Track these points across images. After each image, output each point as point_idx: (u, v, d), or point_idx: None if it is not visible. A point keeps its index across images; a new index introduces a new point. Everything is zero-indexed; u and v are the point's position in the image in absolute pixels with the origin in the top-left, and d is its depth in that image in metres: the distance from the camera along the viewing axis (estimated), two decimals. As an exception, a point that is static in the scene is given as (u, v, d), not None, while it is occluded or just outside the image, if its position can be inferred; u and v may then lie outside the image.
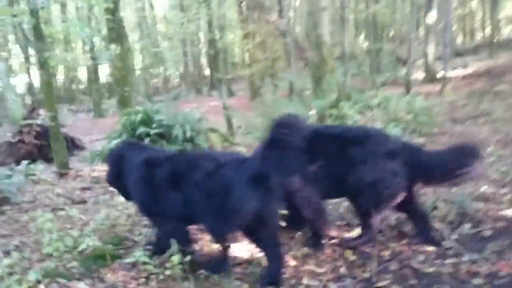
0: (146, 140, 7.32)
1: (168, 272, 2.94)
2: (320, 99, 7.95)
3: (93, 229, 3.72)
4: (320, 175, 3.27)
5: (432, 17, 15.27)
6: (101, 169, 6.95)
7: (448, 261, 3.06)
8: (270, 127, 2.82)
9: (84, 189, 6.33)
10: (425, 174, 3.27)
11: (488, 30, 27.38)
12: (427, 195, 4.07)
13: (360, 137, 3.40)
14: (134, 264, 3.24)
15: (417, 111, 6.99)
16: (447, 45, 11.71)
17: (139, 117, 7.60)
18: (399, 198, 3.27)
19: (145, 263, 3.02)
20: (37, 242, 3.69)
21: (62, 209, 4.75)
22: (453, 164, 3.20)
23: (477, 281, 2.80)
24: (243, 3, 19.10)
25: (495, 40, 20.34)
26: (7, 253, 3.44)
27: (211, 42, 10.12)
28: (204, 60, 29.48)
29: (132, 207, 4.03)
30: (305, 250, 3.32)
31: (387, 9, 22.78)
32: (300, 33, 18.99)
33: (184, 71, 29.26)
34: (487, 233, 3.40)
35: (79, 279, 3.08)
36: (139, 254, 3.03)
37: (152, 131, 7.39)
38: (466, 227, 3.49)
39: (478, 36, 30.93)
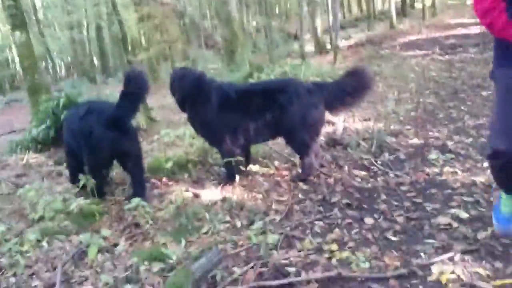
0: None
1: (160, 214, 3.40)
2: (234, 73, 8.54)
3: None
4: (258, 123, 3.91)
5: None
6: (31, 157, 6.90)
7: (379, 178, 3.90)
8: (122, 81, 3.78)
9: (19, 176, 6.31)
10: (334, 102, 4.00)
11: (363, 5, 29.93)
12: (350, 135, 4.90)
13: (282, 85, 4.07)
14: (120, 217, 3.65)
15: (323, 74, 7.92)
16: (336, 17, 12.90)
17: (61, 101, 7.60)
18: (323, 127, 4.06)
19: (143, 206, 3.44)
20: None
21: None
22: (353, 87, 3.99)
23: (404, 187, 3.67)
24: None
25: (371, 13, 22.35)
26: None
27: (120, 23, 10.16)
28: (94, 47, 28.47)
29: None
30: (267, 186, 3.93)
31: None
32: (197, 14, 19.32)
33: (72, 60, 28.06)
34: (402, 157, 4.32)
35: (77, 234, 3.42)
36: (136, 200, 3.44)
37: (80, 109, 7.44)
38: (386, 155, 4.37)
39: (355, 10, 33.62)
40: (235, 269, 2.79)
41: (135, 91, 3.72)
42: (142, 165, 4.05)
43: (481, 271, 2.46)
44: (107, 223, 3.61)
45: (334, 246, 2.91)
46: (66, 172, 4.86)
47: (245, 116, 3.88)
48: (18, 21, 8.71)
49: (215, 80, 4.12)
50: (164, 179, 4.27)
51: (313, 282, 2.56)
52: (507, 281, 2.37)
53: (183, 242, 3.11)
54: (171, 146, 4.90)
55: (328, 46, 16.69)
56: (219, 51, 17.91)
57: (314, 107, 3.86)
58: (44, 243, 3.32)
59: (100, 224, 3.59)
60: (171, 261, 2.90)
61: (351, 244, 2.94)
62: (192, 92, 3.90)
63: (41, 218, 3.67)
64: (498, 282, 2.36)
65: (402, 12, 22.42)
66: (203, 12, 20.62)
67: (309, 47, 18.05)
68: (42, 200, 3.64)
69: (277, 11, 34.01)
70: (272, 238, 3.00)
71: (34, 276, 2.98)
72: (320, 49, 17.07)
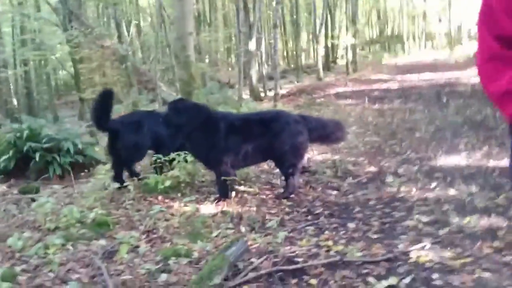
0: (36, 155, 7.60)
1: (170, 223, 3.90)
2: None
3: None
4: (256, 147, 4.61)
5: (252, 44, 17.69)
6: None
7: (350, 196, 4.69)
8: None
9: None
10: (313, 134, 4.82)
11: (290, 58, 32.08)
12: (316, 164, 5.70)
13: (275, 115, 4.83)
14: (131, 227, 4.09)
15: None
16: (276, 66, 14.09)
17: (25, 133, 7.78)
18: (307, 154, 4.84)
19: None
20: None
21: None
22: (330, 129, 4.89)
23: (372, 202, 4.47)
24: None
25: (298, 66, 24.10)
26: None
27: (74, 62, 10.40)
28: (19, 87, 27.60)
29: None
30: (256, 202, 4.55)
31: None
32: (139, 58, 19.77)
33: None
34: (364, 180, 5.16)
35: (96, 239, 3.81)
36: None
37: (44, 146, 7.66)
38: (350, 179, 5.19)
39: (281, 63, 35.68)
40: (252, 260, 3.37)
41: None
42: None
43: (446, 254, 3.25)
44: (121, 231, 4.02)
45: (329, 243, 3.59)
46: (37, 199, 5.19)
47: (246, 141, 4.52)
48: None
49: (217, 110, 4.77)
50: (160, 197, 4.75)
51: (319, 266, 3.21)
52: (465, 259, 3.16)
53: (200, 242, 3.63)
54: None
55: (262, 94, 17.84)
56: (157, 95, 18.36)
57: (301, 134, 4.62)
58: (69, 247, 3.68)
59: (116, 231, 3.99)
60: (194, 257, 3.41)
61: (342, 241, 3.64)
62: (202, 122, 4.47)
63: (57, 228, 3.99)
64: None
65: (327, 66, 24.46)
66: (147, 55, 21.16)
67: (244, 95, 19.12)
68: (65, 210, 3.98)
69: (206, 60, 35.27)
70: (280, 235, 3.62)
71: (71, 271, 3.34)
72: (255, 96, 18.14)
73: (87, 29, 17.67)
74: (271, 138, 4.58)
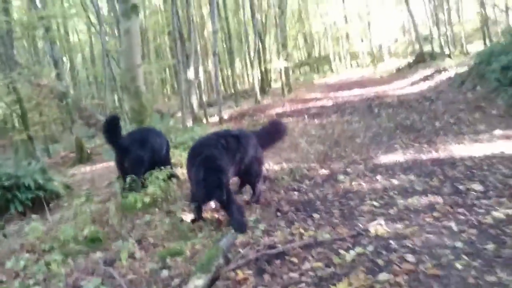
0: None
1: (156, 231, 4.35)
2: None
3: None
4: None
5: (191, 73, 18.30)
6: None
7: (310, 194, 5.35)
8: None
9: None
10: (263, 143, 5.46)
11: (226, 85, 32.98)
12: (274, 173, 6.33)
13: (240, 132, 5.42)
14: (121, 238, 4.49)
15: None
16: (219, 91, 14.78)
17: (0, 172, 7.84)
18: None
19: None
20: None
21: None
22: (273, 131, 5.60)
23: (329, 197, 5.16)
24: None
25: (235, 92, 24.95)
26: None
27: (20, 101, 10.52)
28: None
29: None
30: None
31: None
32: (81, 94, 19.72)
33: None
34: (319, 181, 5.86)
35: (93, 252, 4.18)
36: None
37: (4, 184, 7.76)
38: (307, 181, 5.87)
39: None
40: (239, 250, 3.91)
41: None
42: None
43: (398, 226, 3.98)
44: (114, 244, 4.41)
45: (301, 230, 4.21)
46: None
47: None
48: None
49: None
50: (140, 213, 5.17)
51: (297, 248, 3.81)
52: (413, 228, 3.88)
53: (189, 243, 4.12)
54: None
55: (204, 120, 18.41)
56: (101, 128, 18.40)
57: (259, 146, 5.25)
58: (70, 261, 4.04)
59: (108, 244, 4.38)
60: (187, 255, 3.90)
61: (311, 228, 4.27)
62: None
63: (52, 248, 4.32)
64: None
65: (262, 90, 25.48)
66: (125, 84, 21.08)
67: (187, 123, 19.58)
68: (62, 229, 4.32)
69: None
70: (259, 228, 4.19)
71: (79, 279, 3.71)
72: (198, 123, 18.64)
73: (23, 68, 17.52)
74: (242, 153, 5.12)
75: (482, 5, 23.03)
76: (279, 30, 23.16)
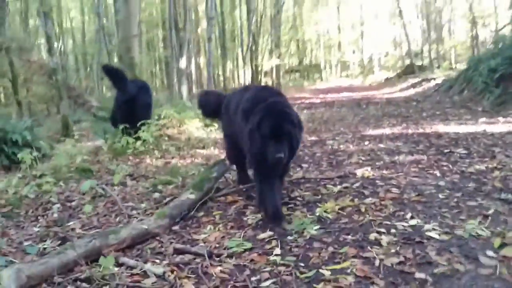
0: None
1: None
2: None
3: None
4: None
5: (183, 62, 18.37)
6: None
7: (300, 152, 5.45)
8: None
9: None
10: None
11: (216, 83, 33.03)
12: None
13: None
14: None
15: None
16: (211, 78, 14.86)
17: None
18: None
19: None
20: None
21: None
22: None
23: (318, 154, 5.28)
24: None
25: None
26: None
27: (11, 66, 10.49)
28: None
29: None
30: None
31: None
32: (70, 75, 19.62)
33: None
34: (308, 144, 5.97)
35: (84, 180, 4.24)
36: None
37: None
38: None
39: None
40: (230, 181, 4.01)
41: None
42: None
43: (385, 172, 4.12)
44: (104, 176, 4.47)
45: (290, 173, 4.31)
46: None
47: None
48: None
49: None
50: (131, 157, 5.24)
51: (286, 183, 3.92)
52: (398, 174, 4.03)
53: (179, 177, 4.21)
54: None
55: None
56: (89, 109, 18.33)
57: None
58: (62, 183, 4.08)
59: (99, 177, 4.44)
60: (178, 184, 3.99)
61: (300, 173, 4.38)
62: None
63: (43, 174, 4.35)
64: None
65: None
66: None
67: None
68: (56, 156, 4.37)
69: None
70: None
71: (70, 197, 3.76)
72: (187, 112, 18.70)
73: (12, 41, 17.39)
74: None
75: (474, 24, 23.59)
76: (273, 29, 23.40)
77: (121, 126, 5.69)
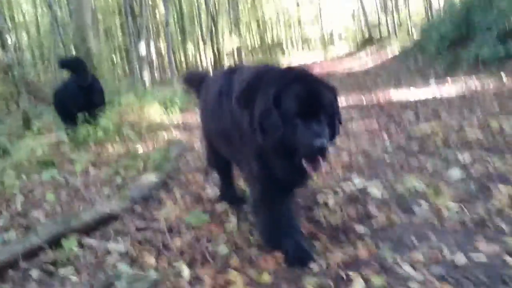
0: None
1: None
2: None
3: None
4: None
5: (143, 48, 18.15)
6: None
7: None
8: None
9: None
10: None
11: (178, 67, 32.74)
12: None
13: None
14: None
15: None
16: (172, 65, 14.83)
17: None
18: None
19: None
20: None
21: None
22: None
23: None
24: None
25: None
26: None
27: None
28: None
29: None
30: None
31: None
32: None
33: None
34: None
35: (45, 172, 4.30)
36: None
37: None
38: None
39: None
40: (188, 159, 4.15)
41: None
42: None
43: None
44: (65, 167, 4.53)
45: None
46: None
47: None
48: None
49: None
50: (93, 146, 5.30)
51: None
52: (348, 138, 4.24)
53: (141, 162, 4.31)
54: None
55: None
56: (49, 103, 17.96)
57: None
58: (23, 176, 4.13)
59: (60, 167, 4.50)
60: (140, 168, 4.10)
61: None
62: None
63: (3, 169, 4.38)
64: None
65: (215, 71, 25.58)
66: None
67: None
68: (16, 149, 4.39)
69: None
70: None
71: (33, 190, 3.83)
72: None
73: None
74: None
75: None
76: (232, 10, 23.33)
77: (79, 114, 5.69)
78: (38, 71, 30.53)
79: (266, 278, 2.03)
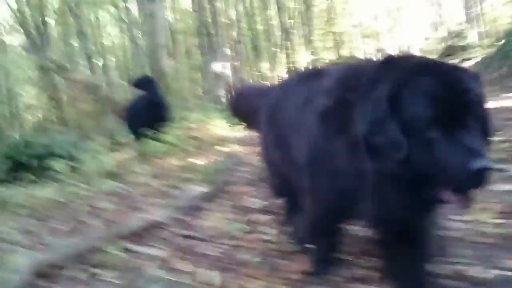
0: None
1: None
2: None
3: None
4: None
5: (217, 67, 18.68)
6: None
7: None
8: None
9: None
10: None
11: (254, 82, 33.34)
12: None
13: None
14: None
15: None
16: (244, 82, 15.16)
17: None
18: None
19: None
20: None
21: None
22: None
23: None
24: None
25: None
26: None
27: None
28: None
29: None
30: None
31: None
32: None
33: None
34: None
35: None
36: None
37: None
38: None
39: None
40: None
41: None
42: None
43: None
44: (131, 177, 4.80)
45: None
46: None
47: None
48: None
49: None
50: (155, 159, 5.56)
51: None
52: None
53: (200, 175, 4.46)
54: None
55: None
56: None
57: None
58: (89, 186, 4.44)
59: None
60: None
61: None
62: None
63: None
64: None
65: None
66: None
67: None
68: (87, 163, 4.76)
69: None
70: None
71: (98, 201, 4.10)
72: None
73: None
74: None
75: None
76: (305, 24, 23.51)
77: (146, 130, 5.97)
78: (125, 91, 32.58)
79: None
